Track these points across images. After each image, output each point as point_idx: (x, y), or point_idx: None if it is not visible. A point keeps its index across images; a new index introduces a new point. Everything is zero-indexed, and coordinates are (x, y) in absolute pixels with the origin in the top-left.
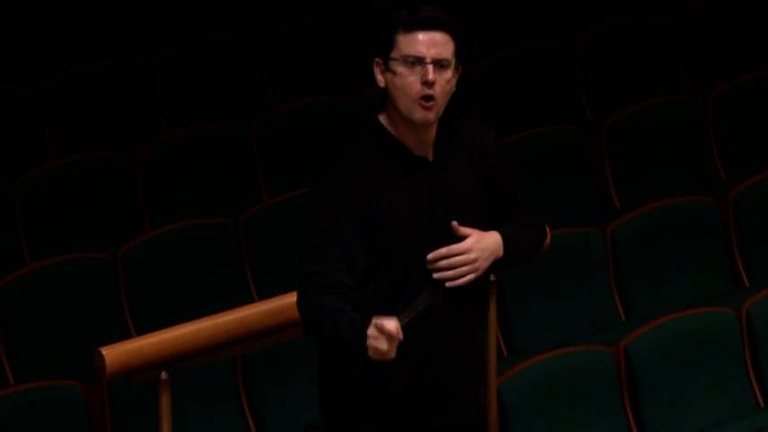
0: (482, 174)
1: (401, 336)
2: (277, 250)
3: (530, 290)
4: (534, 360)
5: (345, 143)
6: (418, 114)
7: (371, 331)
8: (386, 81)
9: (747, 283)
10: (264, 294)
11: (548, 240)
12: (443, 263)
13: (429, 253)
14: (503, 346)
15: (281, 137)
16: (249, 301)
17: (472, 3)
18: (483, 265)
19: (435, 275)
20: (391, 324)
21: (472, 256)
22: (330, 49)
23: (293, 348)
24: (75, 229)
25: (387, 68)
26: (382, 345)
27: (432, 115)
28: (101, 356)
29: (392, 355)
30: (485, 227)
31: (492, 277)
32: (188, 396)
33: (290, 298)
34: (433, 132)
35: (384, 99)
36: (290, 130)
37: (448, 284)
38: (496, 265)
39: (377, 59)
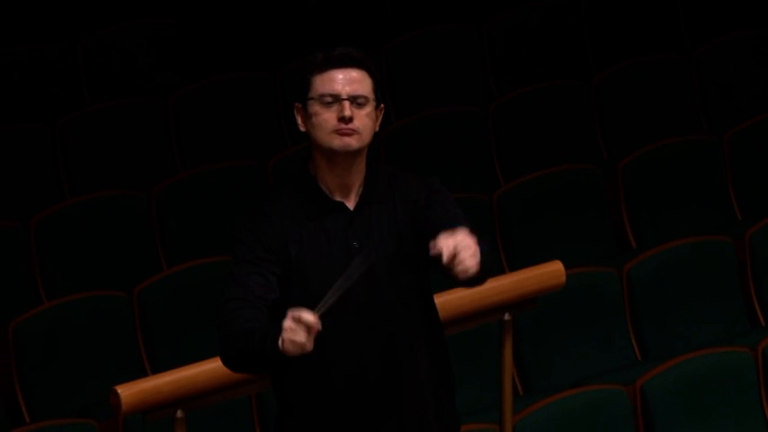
0: (410, 223)
1: (319, 325)
2: None
3: (545, 329)
4: (550, 399)
5: (274, 188)
6: (337, 142)
7: (287, 323)
8: (306, 125)
9: (763, 323)
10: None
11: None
12: (462, 255)
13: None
14: (518, 385)
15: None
16: None
17: (488, 42)
18: (473, 244)
19: (459, 268)
20: (308, 314)
21: (468, 240)
22: None
23: None
24: (91, 266)
25: (306, 111)
26: (299, 336)
27: (353, 142)
28: (116, 395)
29: (310, 346)
30: (411, 278)
31: (507, 317)
32: None
33: None
34: (356, 178)
35: (309, 146)
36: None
37: (466, 275)
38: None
39: (296, 104)
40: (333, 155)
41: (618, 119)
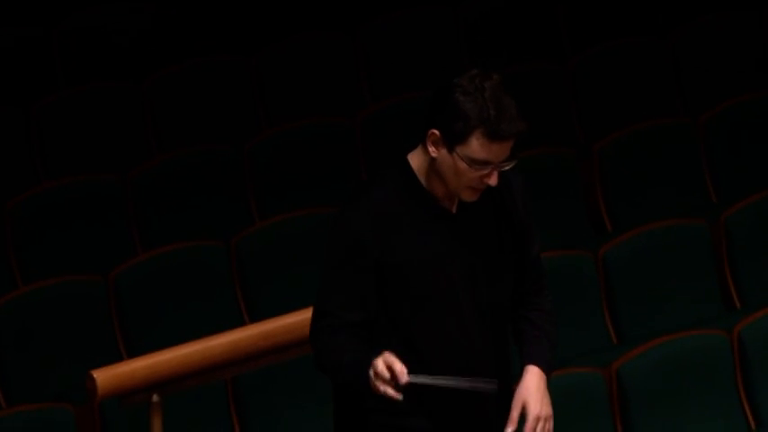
0: (508, 227)
1: (404, 380)
2: (268, 273)
3: None
4: None
5: (372, 179)
6: (466, 197)
7: (379, 367)
8: (439, 154)
9: (739, 306)
10: (256, 317)
11: None
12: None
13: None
14: None
15: (273, 159)
16: (241, 323)
17: (463, 25)
18: (548, 409)
19: None
20: (400, 368)
21: (543, 415)
22: (322, 71)
23: (285, 371)
24: (66, 251)
25: (447, 151)
26: (383, 386)
27: (478, 196)
28: (92, 379)
29: (394, 395)
30: (508, 281)
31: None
32: (179, 419)
33: (282, 321)
34: None
35: (420, 144)
36: (281, 153)
37: None
38: None
39: (435, 132)
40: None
41: (593, 102)
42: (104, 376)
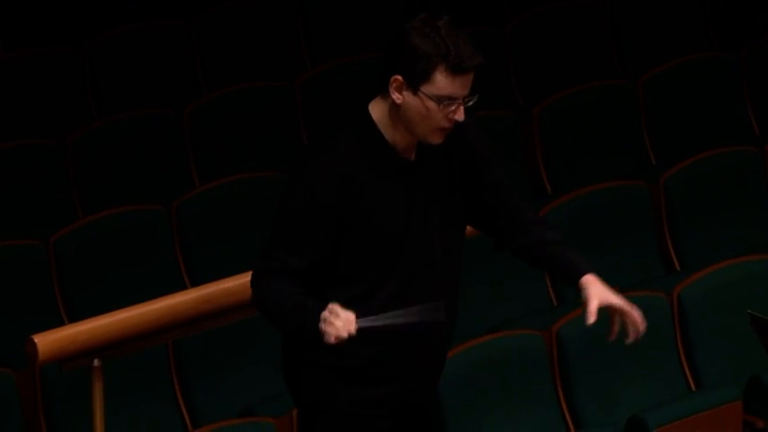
0: (462, 168)
1: (353, 328)
2: (210, 237)
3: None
4: (466, 345)
5: (332, 132)
6: (435, 139)
7: (324, 314)
8: (404, 99)
9: (678, 267)
10: (197, 281)
11: None
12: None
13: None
14: None
15: (213, 123)
16: (182, 287)
17: None
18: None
19: (631, 340)
20: (348, 315)
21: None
22: (262, 34)
23: (226, 334)
24: (6, 215)
25: (411, 93)
26: (333, 329)
27: (444, 139)
28: (33, 344)
29: (343, 337)
30: (462, 224)
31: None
32: (121, 383)
33: (223, 284)
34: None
35: (381, 94)
36: (222, 117)
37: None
38: None
39: (397, 77)
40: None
41: (533, 65)
42: (45, 341)
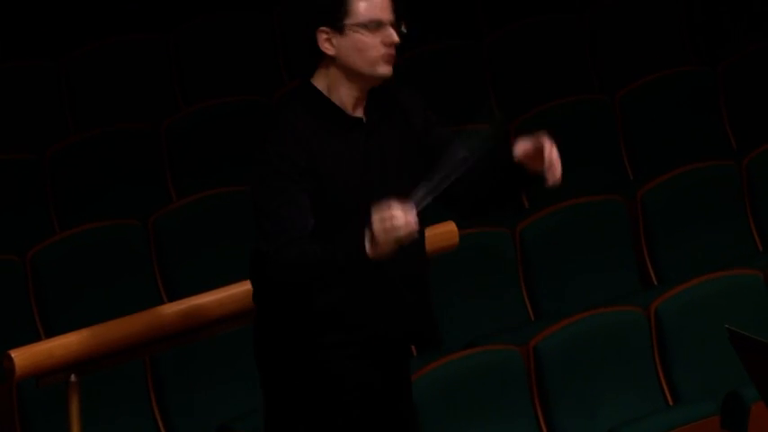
0: (412, 131)
1: (412, 214)
2: (187, 251)
3: (437, 290)
4: (443, 360)
5: (280, 109)
6: (383, 69)
7: (377, 220)
8: (337, 47)
9: (655, 282)
10: (174, 296)
11: None
12: (556, 166)
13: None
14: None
15: (191, 137)
16: (159, 302)
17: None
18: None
19: (551, 182)
20: (395, 204)
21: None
22: (239, 49)
23: (203, 350)
24: None
25: (340, 35)
26: (397, 223)
27: (392, 68)
28: (10, 359)
29: (410, 231)
30: (414, 171)
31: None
32: (98, 399)
33: (201, 299)
34: (365, 94)
35: (315, 64)
36: (199, 131)
37: (554, 180)
38: None
39: (321, 29)
40: (368, 78)
41: (510, 79)
42: (22, 356)
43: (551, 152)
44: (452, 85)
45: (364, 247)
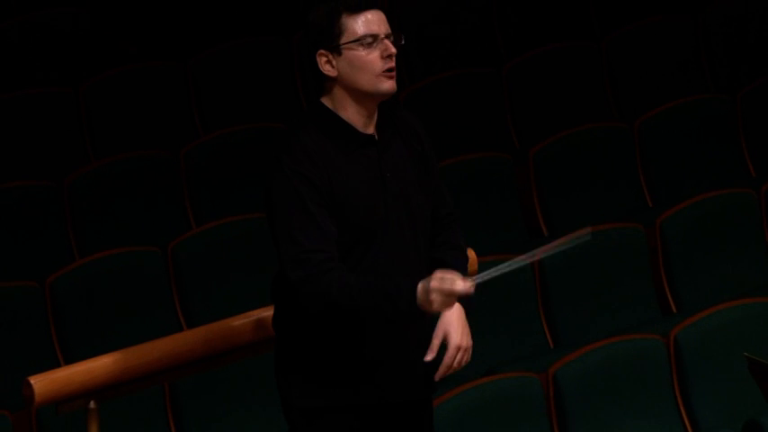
0: (418, 154)
1: (469, 283)
2: (206, 278)
3: None
4: (462, 388)
5: (292, 129)
6: (386, 86)
7: (434, 283)
8: (337, 68)
9: (675, 310)
10: (193, 322)
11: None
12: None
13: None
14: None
15: (209, 164)
16: (178, 328)
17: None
18: (468, 340)
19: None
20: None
21: (463, 346)
22: (257, 76)
23: (223, 376)
24: (2, 257)
25: (338, 56)
26: (456, 286)
27: (395, 84)
28: (29, 386)
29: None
30: (429, 193)
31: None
32: (117, 425)
33: (220, 326)
34: (376, 113)
35: (323, 86)
36: (217, 158)
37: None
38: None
39: (320, 53)
40: (373, 96)
41: (529, 106)
42: (41, 383)
43: (451, 359)
44: (471, 112)
45: (415, 296)
